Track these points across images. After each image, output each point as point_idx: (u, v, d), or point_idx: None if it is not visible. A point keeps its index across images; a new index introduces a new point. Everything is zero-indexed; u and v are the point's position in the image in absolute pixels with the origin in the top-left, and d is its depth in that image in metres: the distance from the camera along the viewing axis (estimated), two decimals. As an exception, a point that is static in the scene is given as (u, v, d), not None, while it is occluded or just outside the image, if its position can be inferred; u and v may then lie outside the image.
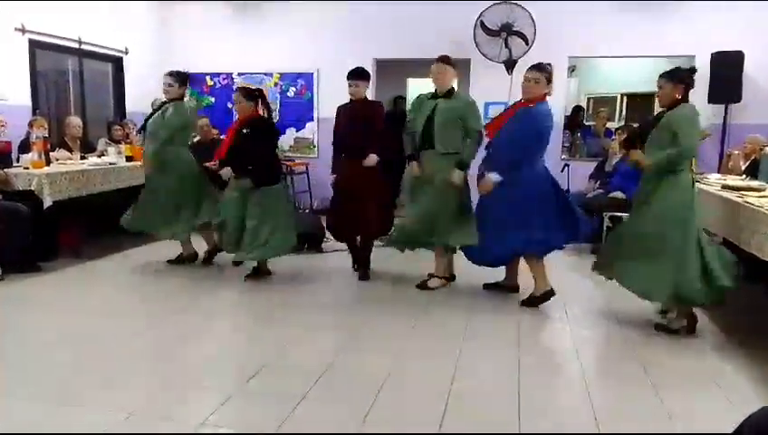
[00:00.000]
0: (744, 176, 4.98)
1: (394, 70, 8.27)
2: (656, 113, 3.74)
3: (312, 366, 3.00)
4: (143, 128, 4.98)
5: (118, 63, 7.57)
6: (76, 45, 6.76)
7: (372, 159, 4.47)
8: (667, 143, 3.45)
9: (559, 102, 6.84)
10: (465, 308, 4.01)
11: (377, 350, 3.27)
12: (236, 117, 4.62)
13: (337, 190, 4.67)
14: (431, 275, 4.47)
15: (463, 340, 3.44)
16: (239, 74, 8.10)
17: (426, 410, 2.58)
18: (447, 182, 4.15)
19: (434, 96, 4.28)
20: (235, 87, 4.39)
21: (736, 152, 5.49)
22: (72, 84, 6.99)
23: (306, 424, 2.45)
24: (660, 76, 3.60)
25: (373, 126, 4.53)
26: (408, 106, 8.84)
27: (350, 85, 4.54)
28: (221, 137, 7.45)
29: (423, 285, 4.43)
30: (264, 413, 2.53)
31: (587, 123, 8.13)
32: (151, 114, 4.92)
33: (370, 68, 7.60)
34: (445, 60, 4.22)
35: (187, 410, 2.58)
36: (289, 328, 3.60)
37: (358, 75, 4.56)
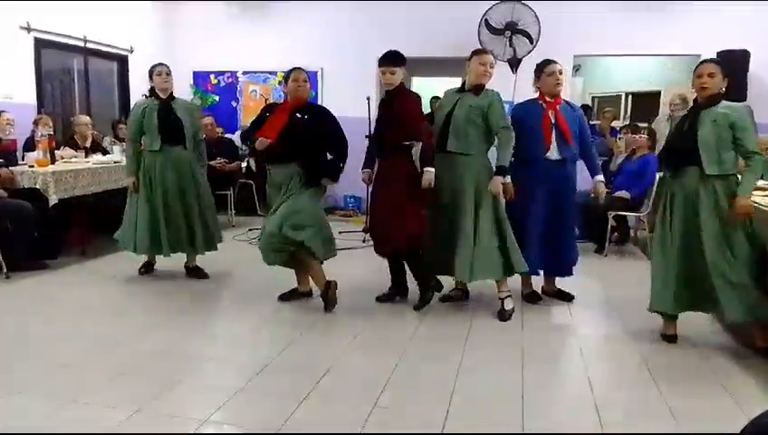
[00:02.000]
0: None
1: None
2: (687, 108, 3.40)
3: (314, 366, 3.00)
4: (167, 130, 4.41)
5: (123, 62, 7.59)
6: (81, 44, 6.78)
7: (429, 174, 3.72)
8: (729, 145, 3.15)
9: (563, 101, 6.82)
10: (469, 310, 4.00)
11: (379, 351, 3.27)
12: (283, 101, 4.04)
13: (373, 198, 4.05)
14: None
15: (466, 341, 3.44)
16: (244, 73, 8.12)
17: (428, 412, 2.58)
18: (477, 193, 3.72)
19: (459, 90, 3.88)
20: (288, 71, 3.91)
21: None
22: (78, 83, 7.02)
23: (308, 424, 2.45)
24: (710, 62, 3.25)
25: (414, 122, 3.80)
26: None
27: (382, 73, 3.84)
28: (226, 136, 7.50)
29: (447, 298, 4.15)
30: (267, 412, 2.54)
31: (592, 122, 8.11)
32: (164, 113, 4.40)
33: (374, 67, 7.58)
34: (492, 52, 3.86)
35: (189, 407, 2.59)
36: (291, 328, 3.60)
37: (391, 60, 3.80)
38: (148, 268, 4.76)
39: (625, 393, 2.84)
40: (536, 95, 4.01)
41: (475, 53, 3.86)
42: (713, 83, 3.18)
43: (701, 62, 3.31)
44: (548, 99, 3.91)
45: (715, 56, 6.40)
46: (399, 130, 3.76)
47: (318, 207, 3.94)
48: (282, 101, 3.87)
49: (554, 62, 3.94)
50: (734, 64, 6.35)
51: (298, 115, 3.79)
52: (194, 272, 4.68)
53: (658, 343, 3.45)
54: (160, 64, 4.50)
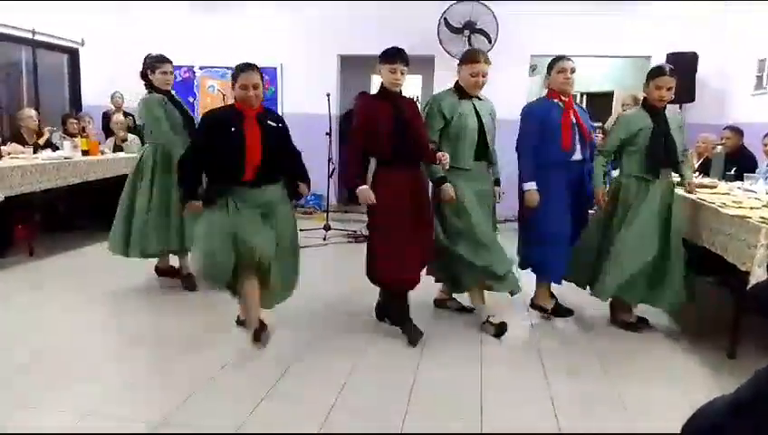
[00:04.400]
0: (697, 174, 5.14)
1: (358, 66, 8.25)
2: (654, 116, 3.49)
3: (272, 366, 2.97)
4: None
5: (73, 55, 7.35)
6: (30, 36, 6.53)
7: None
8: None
9: (521, 101, 6.93)
10: (428, 308, 3.99)
11: (338, 349, 3.26)
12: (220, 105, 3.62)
13: (391, 215, 3.26)
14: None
15: (425, 337, 3.45)
16: (201, 68, 7.97)
17: (389, 408, 2.59)
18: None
19: (462, 95, 3.53)
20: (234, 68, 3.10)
21: (689, 151, 5.65)
22: (26, 76, 6.77)
23: (268, 423, 2.43)
24: (669, 74, 3.40)
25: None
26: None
27: (391, 71, 3.24)
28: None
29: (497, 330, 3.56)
30: (224, 413, 2.50)
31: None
32: (179, 108, 4.21)
33: (334, 64, 7.58)
34: (487, 58, 3.50)
35: (144, 410, 2.53)
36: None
37: (402, 56, 3.25)
38: (166, 273, 4.44)
39: (578, 384, 2.90)
40: (544, 93, 3.83)
41: (464, 60, 3.53)
42: (670, 96, 3.45)
43: (659, 72, 3.43)
44: (563, 97, 3.67)
45: (665, 58, 6.65)
46: (423, 139, 3.36)
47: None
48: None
49: (567, 58, 3.69)
50: (683, 66, 6.56)
51: (271, 123, 3.14)
52: (185, 279, 4.30)
53: (610, 334, 3.56)
54: (164, 62, 4.28)
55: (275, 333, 3.39)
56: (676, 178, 3.74)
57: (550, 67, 3.74)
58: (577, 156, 3.67)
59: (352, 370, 2.96)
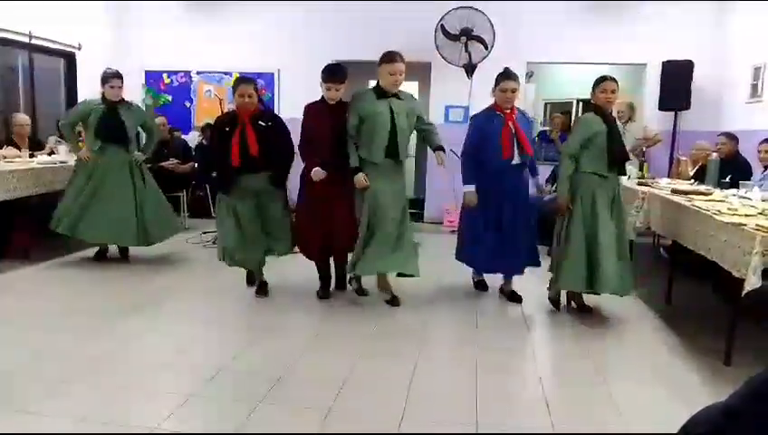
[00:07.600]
0: (693, 181, 5.17)
1: (354, 71, 8.24)
2: (606, 119, 3.91)
3: (270, 368, 2.97)
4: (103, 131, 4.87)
5: (70, 59, 7.34)
6: (26, 40, 6.52)
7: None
8: None
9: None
10: (424, 310, 4.03)
11: (336, 351, 3.26)
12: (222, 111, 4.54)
13: (309, 203, 4.06)
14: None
15: (422, 340, 3.46)
16: (198, 73, 7.98)
17: (386, 410, 2.59)
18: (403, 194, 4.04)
19: (380, 95, 3.89)
20: (231, 81, 3.95)
21: (684, 158, 5.69)
22: (22, 80, 6.76)
23: (266, 425, 2.42)
24: (612, 80, 3.84)
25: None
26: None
27: (327, 89, 3.93)
28: (182, 137, 7.35)
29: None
30: (222, 416, 2.50)
31: (543, 129, 8.30)
32: (107, 116, 4.87)
33: (331, 69, 7.58)
34: (402, 58, 3.87)
35: (141, 413, 2.52)
36: (246, 330, 3.56)
37: (336, 77, 3.92)
38: (101, 256, 5.14)
39: (573, 388, 2.90)
40: (492, 101, 4.17)
41: (383, 60, 3.86)
42: (615, 97, 3.86)
43: (602, 79, 3.88)
44: (505, 110, 4.07)
45: (660, 66, 6.70)
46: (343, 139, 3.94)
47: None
48: (232, 108, 4.16)
49: (512, 78, 4.07)
50: (678, 74, 6.61)
51: (261, 123, 3.97)
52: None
53: (606, 339, 3.57)
54: (114, 77, 4.87)
55: (270, 336, 3.40)
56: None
57: (496, 83, 4.11)
58: (516, 160, 4.06)
59: (351, 371, 2.96)
